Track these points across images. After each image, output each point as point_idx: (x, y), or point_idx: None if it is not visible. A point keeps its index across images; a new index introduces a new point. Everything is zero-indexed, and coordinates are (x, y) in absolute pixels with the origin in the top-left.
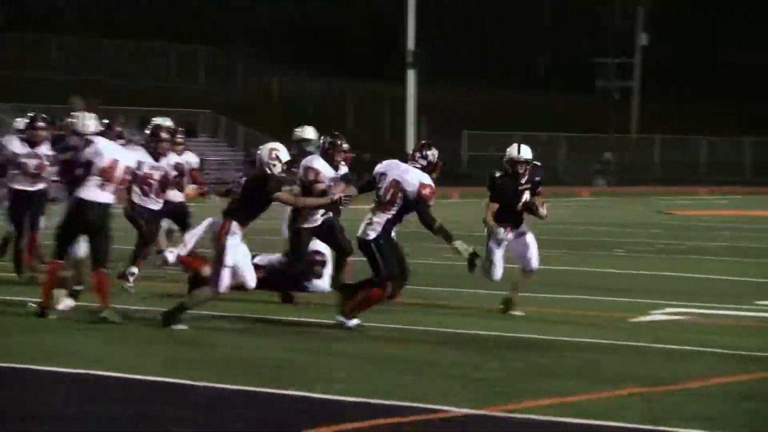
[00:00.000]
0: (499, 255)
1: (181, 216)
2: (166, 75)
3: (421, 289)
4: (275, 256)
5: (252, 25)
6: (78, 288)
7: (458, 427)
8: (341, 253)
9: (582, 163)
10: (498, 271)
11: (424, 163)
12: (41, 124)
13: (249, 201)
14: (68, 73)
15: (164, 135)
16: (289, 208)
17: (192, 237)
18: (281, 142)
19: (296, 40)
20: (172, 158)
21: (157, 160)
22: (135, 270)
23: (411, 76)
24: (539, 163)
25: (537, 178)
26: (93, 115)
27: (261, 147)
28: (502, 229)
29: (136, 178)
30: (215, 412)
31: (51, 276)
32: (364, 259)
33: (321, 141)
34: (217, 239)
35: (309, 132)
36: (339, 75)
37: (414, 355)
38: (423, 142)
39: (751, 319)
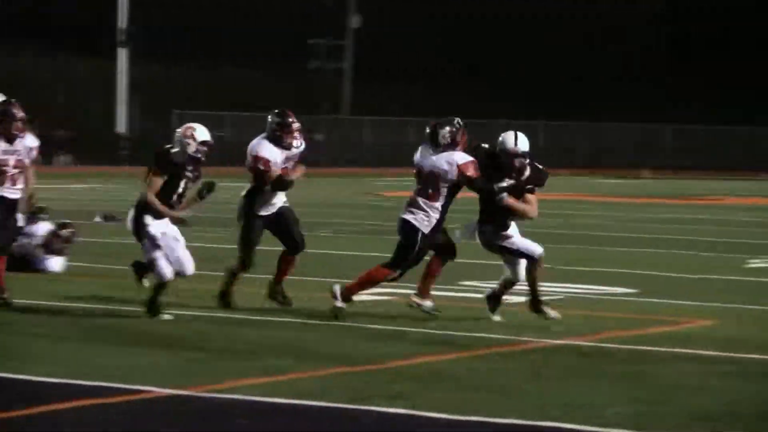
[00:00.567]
0: None
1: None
2: None
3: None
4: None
5: None
6: None
7: (162, 406)
8: (292, 247)
9: None
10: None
11: (448, 141)
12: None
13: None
14: None
15: (19, 113)
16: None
17: None
18: None
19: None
20: (29, 140)
21: (10, 142)
22: None
23: (123, 54)
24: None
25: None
26: None
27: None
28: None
29: None
30: None
31: None
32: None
33: (269, 121)
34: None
35: None
36: (48, 51)
37: (121, 334)
38: (434, 122)
39: (457, 299)
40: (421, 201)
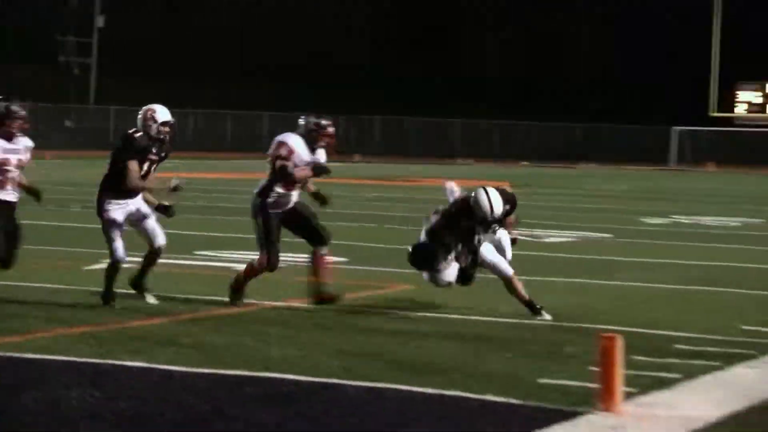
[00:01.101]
0: None
1: None
2: None
3: None
4: None
5: None
6: None
7: None
8: (318, 240)
9: (46, 129)
10: None
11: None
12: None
13: (115, 167)
14: None
15: (20, 111)
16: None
17: None
18: None
19: None
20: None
21: (9, 140)
22: None
23: None
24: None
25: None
26: None
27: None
28: None
29: None
30: None
31: None
32: None
33: (304, 121)
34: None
35: None
36: None
37: None
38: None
39: (189, 266)
40: None
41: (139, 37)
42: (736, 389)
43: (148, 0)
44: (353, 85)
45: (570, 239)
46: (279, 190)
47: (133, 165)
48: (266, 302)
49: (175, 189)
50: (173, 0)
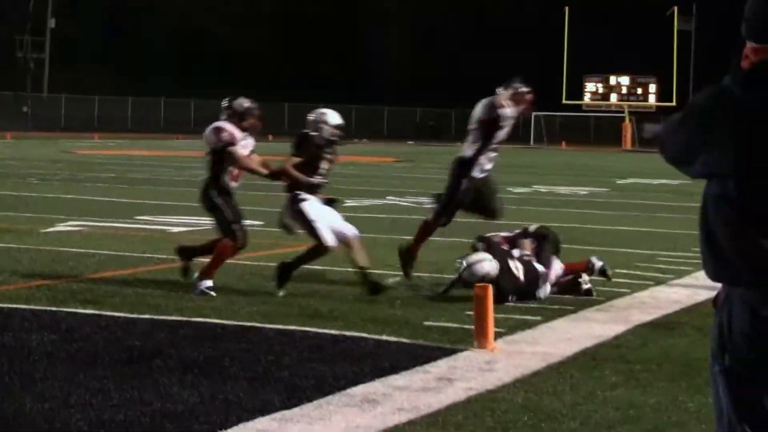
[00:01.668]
0: None
1: None
2: None
3: None
4: None
5: None
6: None
7: None
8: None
9: (6, 115)
10: None
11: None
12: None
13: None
14: None
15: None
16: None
17: None
18: None
19: None
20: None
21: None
22: None
23: None
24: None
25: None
26: None
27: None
28: None
29: None
30: None
31: None
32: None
33: (229, 104)
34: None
35: None
36: None
37: None
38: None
39: (131, 229)
40: None
41: (85, 36)
42: (587, 330)
43: (92, 5)
44: (263, 74)
45: None
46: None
47: (295, 159)
48: (196, 259)
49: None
50: (113, 5)
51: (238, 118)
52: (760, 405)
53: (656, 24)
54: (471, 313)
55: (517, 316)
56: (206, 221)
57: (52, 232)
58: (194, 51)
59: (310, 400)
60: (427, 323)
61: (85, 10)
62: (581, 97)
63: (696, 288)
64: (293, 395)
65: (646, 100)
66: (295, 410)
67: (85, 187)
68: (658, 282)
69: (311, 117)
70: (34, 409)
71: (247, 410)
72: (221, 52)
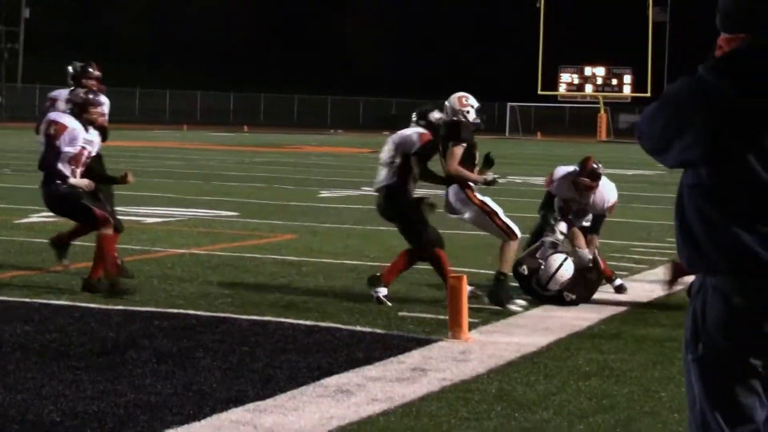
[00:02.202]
0: None
1: None
2: None
3: None
4: None
5: None
6: None
7: None
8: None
9: None
10: None
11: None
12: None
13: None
14: None
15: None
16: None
17: None
18: None
19: None
20: None
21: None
22: None
23: None
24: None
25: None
26: None
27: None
28: None
29: None
30: None
31: None
32: None
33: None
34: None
35: None
36: None
37: None
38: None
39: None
40: None
41: (59, 26)
42: (561, 320)
43: None
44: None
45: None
46: None
47: (458, 150)
48: (171, 250)
49: (491, 183)
50: None
51: (432, 128)
52: (732, 393)
53: (631, 15)
54: (445, 303)
55: (491, 307)
56: (180, 212)
57: (25, 222)
58: (169, 41)
59: (284, 390)
60: (401, 314)
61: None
62: (556, 88)
63: None
64: (267, 386)
65: (621, 90)
66: (269, 401)
67: None
68: (633, 272)
69: (451, 102)
70: (6, 400)
71: (220, 401)
72: (196, 41)
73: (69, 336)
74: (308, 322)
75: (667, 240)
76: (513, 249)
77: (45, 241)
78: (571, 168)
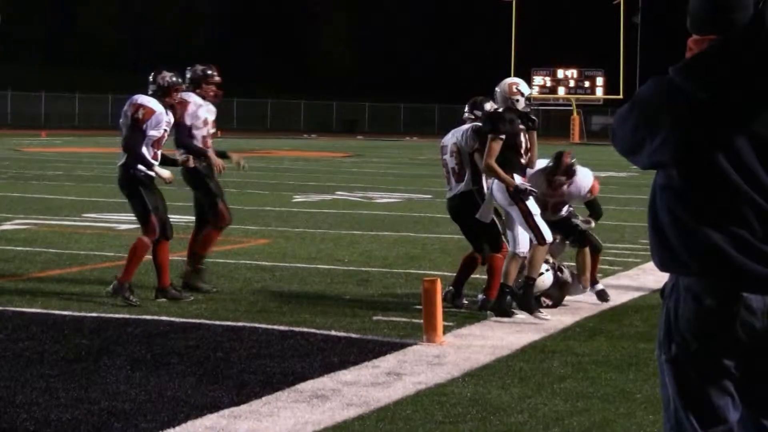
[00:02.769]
0: None
1: None
2: None
3: None
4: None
5: None
6: None
7: None
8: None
9: None
10: None
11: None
12: None
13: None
14: None
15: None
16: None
17: None
18: None
19: None
20: None
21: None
22: None
23: None
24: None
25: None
26: None
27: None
28: None
29: None
30: None
31: None
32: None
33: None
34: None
35: None
36: None
37: None
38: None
39: (78, 227)
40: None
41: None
42: (536, 323)
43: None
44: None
45: (398, 200)
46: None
47: (495, 145)
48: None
49: (522, 192)
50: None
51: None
52: (705, 394)
53: (603, 17)
54: (419, 307)
55: (466, 311)
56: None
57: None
58: (143, 47)
59: (258, 396)
60: (375, 318)
61: (32, 6)
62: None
63: (643, 279)
64: (242, 392)
65: (593, 93)
66: (244, 407)
67: (32, 185)
68: (606, 274)
69: (501, 89)
70: None
71: (195, 407)
72: (169, 48)
73: (42, 343)
74: (282, 327)
75: (641, 242)
76: (542, 253)
77: (18, 248)
78: (544, 162)
